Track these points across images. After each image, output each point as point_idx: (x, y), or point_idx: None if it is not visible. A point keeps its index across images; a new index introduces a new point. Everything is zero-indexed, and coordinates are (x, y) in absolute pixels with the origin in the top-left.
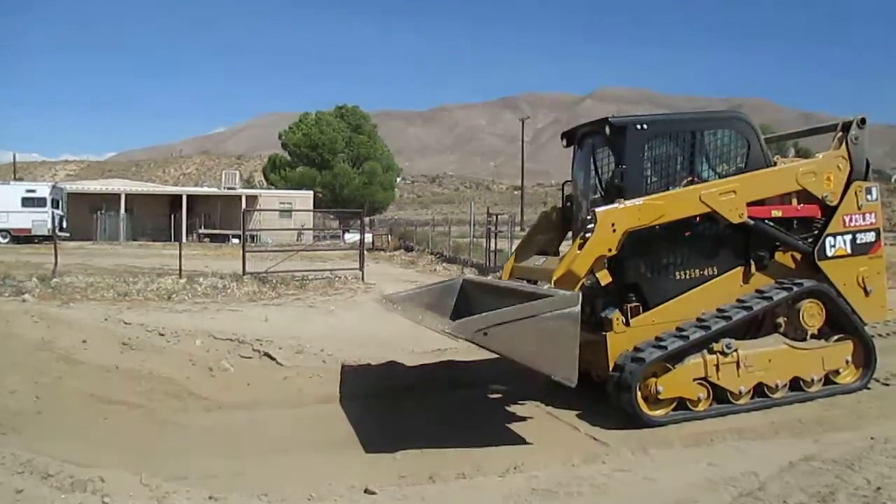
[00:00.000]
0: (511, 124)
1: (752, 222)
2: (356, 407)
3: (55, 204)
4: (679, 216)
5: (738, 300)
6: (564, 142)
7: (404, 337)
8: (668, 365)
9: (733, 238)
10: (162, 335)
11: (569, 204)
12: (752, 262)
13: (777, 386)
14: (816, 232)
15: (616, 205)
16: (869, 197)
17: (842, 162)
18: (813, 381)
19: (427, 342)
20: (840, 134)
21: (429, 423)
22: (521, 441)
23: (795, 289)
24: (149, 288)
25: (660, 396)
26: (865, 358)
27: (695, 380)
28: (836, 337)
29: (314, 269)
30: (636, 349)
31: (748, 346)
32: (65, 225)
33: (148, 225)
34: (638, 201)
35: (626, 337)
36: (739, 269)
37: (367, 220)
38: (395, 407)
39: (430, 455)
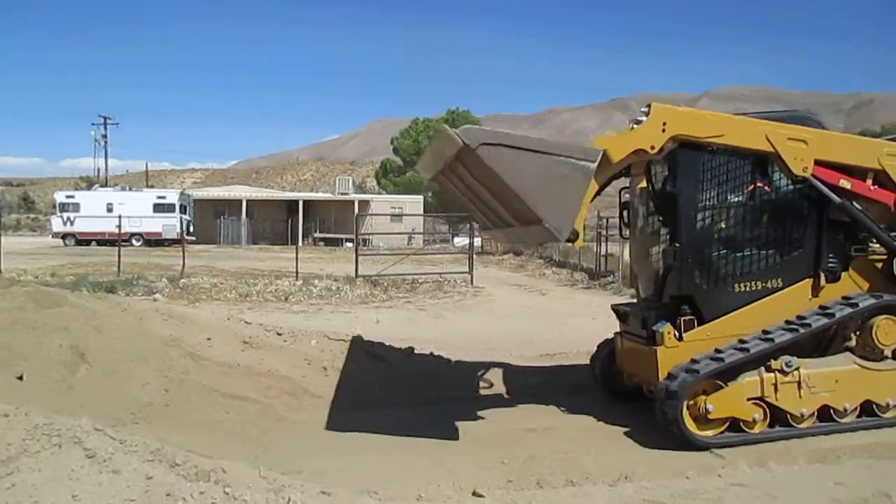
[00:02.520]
0: (622, 126)
1: (836, 198)
2: (464, 409)
3: (183, 209)
4: (737, 143)
5: (799, 316)
6: None
7: (513, 341)
8: (719, 382)
9: (803, 244)
10: (280, 335)
11: (625, 211)
12: (823, 274)
13: (845, 409)
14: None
15: (678, 108)
16: None
17: None
18: (889, 405)
19: (536, 347)
20: None
21: (537, 427)
22: (632, 450)
23: (862, 304)
24: (268, 289)
25: (709, 416)
26: None
27: (749, 399)
28: None
29: (424, 272)
30: (678, 367)
31: (812, 365)
32: (191, 229)
33: (267, 229)
34: (704, 112)
35: (678, 352)
36: (808, 282)
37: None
38: (503, 410)
39: (538, 460)
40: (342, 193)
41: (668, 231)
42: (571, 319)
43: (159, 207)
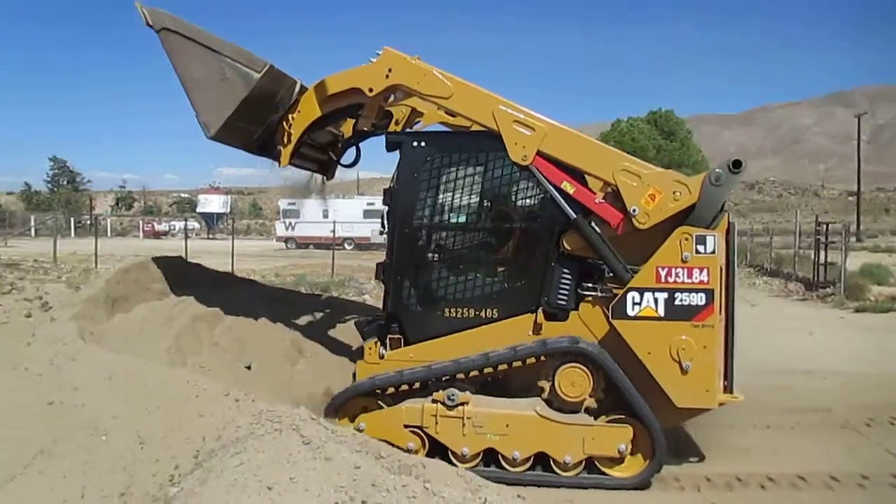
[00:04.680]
0: (845, 122)
1: (571, 213)
2: None
3: None
4: (462, 111)
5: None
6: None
7: None
8: (381, 403)
9: (526, 275)
10: None
11: None
12: (544, 311)
13: (515, 458)
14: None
15: (411, 58)
16: (700, 248)
17: (683, 190)
18: (567, 464)
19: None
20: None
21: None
22: None
23: (542, 347)
24: None
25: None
26: (652, 450)
27: (407, 427)
28: (610, 417)
29: None
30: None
31: (482, 404)
32: None
33: None
34: (434, 70)
35: (377, 369)
36: (529, 317)
37: None
38: None
39: None
40: None
41: (387, 245)
42: (784, 335)
43: (369, 214)
